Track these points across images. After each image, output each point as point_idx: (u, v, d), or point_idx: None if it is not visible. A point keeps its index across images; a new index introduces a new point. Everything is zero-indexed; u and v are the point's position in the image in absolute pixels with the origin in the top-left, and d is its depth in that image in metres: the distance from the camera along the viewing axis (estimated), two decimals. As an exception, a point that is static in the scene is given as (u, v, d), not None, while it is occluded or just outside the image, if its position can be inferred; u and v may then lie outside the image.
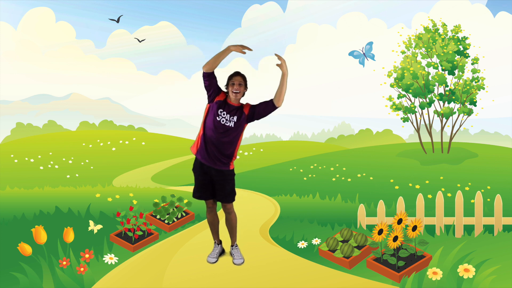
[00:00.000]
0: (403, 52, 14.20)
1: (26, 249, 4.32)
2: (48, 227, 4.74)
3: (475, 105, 13.82)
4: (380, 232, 4.36)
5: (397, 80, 13.96)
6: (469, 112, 13.83)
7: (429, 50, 13.87)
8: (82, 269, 4.16)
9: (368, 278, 4.23)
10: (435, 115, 14.12)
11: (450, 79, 13.90)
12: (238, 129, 4.27)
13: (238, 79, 4.26)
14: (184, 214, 6.21)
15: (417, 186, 9.06)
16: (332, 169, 12.79)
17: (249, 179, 11.68)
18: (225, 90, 4.35)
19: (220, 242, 4.81)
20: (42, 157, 15.73)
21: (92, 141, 18.05)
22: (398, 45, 14.25)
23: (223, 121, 4.22)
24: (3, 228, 5.88)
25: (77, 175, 13.49)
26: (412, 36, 14.18)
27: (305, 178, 11.77)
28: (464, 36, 13.96)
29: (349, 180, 11.18)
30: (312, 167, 13.29)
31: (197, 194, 4.53)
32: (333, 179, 11.43)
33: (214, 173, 4.38)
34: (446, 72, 13.83)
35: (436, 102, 14.01)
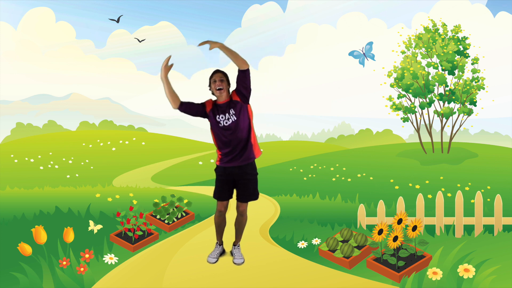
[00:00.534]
0: (403, 52, 14.20)
1: (26, 249, 4.32)
2: (48, 227, 4.74)
3: (475, 105, 13.82)
4: (380, 232, 4.36)
5: (397, 80, 13.97)
6: (469, 112, 13.83)
7: (429, 50, 13.87)
8: (82, 269, 4.16)
9: (368, 278, 4.23)
10: (435, 115, 14.13)
11: (450, 79, 13.91)
12: (241, 116, 4.24)
13: (219, 76, 4.26)
14: (184, 214, 6.21)
15: (417, 186, 9.06)
16: (332, 169, 12.79)
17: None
18: (207, 99, 4.35)
19: (221, 243, 4.81)
20: (42, 157, 15.73)
21: (92, 141, 18.06)
22: (398, 45, 14.26)
23: (226, 122, 4.24)
24: (3, 228, 5.88)
25: (77, 175, 13.50)
26: (412, 36, 14.19)
27: (305, 178, 11.78)
28: (464, 36, 13.97)
29: (349, 180, 11.18)
30: (312, 167, 13.30)
31: (217, 194, 4.48)
32: (333, 179, 11.43)
33: (236, 171, 4.35)
34: (446, 72, 13.83)
35: (436, 102, 14.03)
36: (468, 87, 13.59)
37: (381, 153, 15.03)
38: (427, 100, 13.91)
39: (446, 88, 13.86)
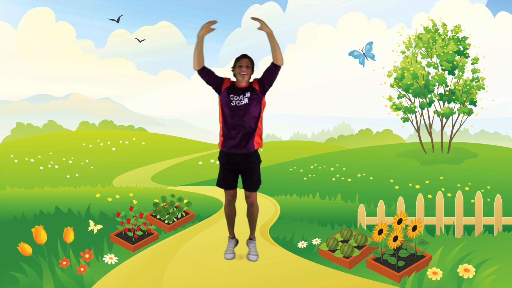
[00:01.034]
0: (403, 52, 14.20)
1: (26, 249, 4.32)
2: (48, 227, 4.74)
3: (475, 105, 13.82)
4: (380, 232, 4.36)
5: (397, 80, 13.97)
6: (469, 112, 13.83)
7: (429, 50, 13.88)
8: (82, 269, 4.16)
9: (368, 278, 4.23)
10: (435, 115, 14.13)
11: (450, 79, 13.92)
12: (254, 103, 4.26)
13: (246, 61, 4.29)
14: (184, 214, 6.21)
15: (417, 186, 9.06)
16: (332, 169, 12.79)
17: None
18: (226, 77, 4.37)
19: (234, 236, 4.78)
20: (42, 157, 15.73)
21: (92, 141, 18.05)
22: (398, 45, 14.26)
23: (237, 103, 4.23)
24: (3, 228, 5.88)
25: (77, 175, 13.50)
26: (412, 36, 14.19)
27: (305, 178, 11.78)
28: (464, 36, 13.97)
29: (349, 180, 11.18)
30: (312, 167, 13.30)
31: (221, 182, 4.47)
32: (333, 179, 11.43)
33: (242, 160, 4.34)
34: (446, 72, 13.83)
35: (436, 102, 14.03)
36: (468, 87, 13.59)
37: (381, 153, 15.03)
38: (427, 100, 13.91)
39: (446, 88, 13.86)
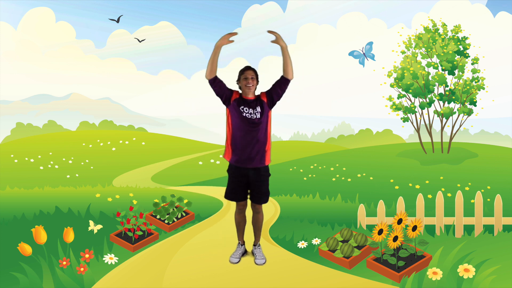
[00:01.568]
0: (403, 52, 14.20)
1: (26, 249, 4.32)
2: (48, 227, 4.74)
3: (475, 105, 13.82)
4: (380, 232, 4.36)
5: (397, 80, 13.96)
6: (469, 112, 13.83)
7: (429, 50, 13.87)
8: (82, 269, 4.16)
9: (368, 278, 4.23)
10: (435, 115, 14.12)
11: (450, 79, 13.91)
12: (265, 118, 4.29)
13: (250, 73, 4.31)
14: (184, 214, 6.21)
15: (417, 186, 9.06)
16: (332, 169, 12.79)
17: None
18: (234, 89, 4.37)
19: (243, 243, 4.80)
20: (42, 157, 15.72)
21: (92, 141, 18.04)
22: (398, 45, 14.25)
23: (248, 116, 4.24)
24: (3, 228, 5.88)
25: (77, 175, 13.49)
26: (412, 36, 14.18)
27: (305, 178, 11.77)
28: (464, 36, 13.96)
29: (349, 180, 11.18)
30: (312, 167, 13.29)
31: (230, 195, 4.49)
32: (333, 179, 11.43)
33: (251, 173, 4.37)
34: (446, 72, 13.83)
35: (436, 102, 14.02)
36: (468, 87, 13.58)
37: (381, 153, 15.02)
38: (427, 100, 13.90)
39: (446, 88, 13.86)
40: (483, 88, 13.68)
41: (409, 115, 14.18)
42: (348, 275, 4.31)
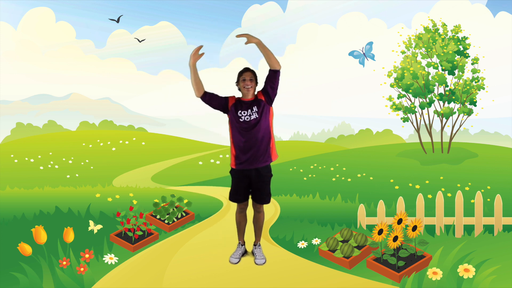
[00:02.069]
0: (403, 52, 14.20)
1: (26, 249, 4.32)
2: (48, 227, 4.74)
3: (475, 105, 13.81)
4: (380, 232, 4.36)
5: (397, 80, 13.96)
6: (469, 112, 13.82)
7: (429, 50, 13.87)
8: (82, 269, 4.16)
9: (368, 278, 4.23)
10: (435, 115, 14.12)
11: (450, 79, 13.91)
12: (264, 116, 4.28)
13: (249, 75, 4.31)
14: (184, 214, 6.21)
15: (417, 186, 9.05)
16: (332, 169, 12.78)
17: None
18: (230, 95, 4.38)
19: (244, 243, 4.81)
20: (42, 157, 15.72)
21: (92, 141, 18.04)
22: (398, 45, 14.25)
23: (247, 118, 4.24)
24: (3, 228, 5.88)
25: (77, 175, 13.49)
26: (412, 36, 14.18)
27: (305, 178, 11.77)
28: (464, 36, 13.96)
29: (349, 180, 11.18)
30: (312, 167, 13.29)
31: (234, 197, 4.52)
32: (333, 179, 11.42)
33: (254, 174, 4.38)
34: (446, 72, 13.83)
35: (436, 102, 14.02)
36: (468, 87, 13.58)
37: (381, 153, 15.02)
38: (427, 100, 13.90)
39: (446, 88, 13.86)
40: (483, 88, 13.68)
41: (409, 115, 14.18)
42: (348, 275, 4.31)
